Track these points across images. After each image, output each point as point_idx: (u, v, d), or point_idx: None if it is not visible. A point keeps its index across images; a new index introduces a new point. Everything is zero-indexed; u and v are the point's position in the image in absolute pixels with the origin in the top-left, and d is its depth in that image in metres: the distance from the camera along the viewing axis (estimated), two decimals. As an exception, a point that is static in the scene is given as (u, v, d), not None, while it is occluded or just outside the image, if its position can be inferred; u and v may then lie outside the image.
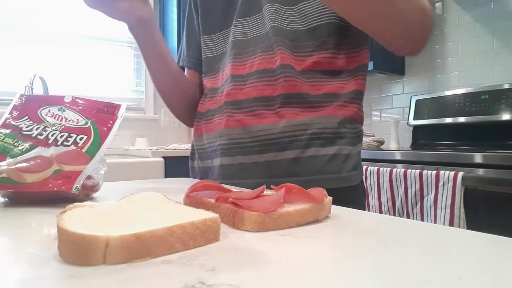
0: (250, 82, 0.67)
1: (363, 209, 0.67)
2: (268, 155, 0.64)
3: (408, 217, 1.46)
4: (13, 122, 0.49)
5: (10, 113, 0.50)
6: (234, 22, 0.72)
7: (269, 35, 0.67)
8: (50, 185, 0.42)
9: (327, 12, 0.64)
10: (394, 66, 2.20)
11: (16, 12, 1.95)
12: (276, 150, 0.64)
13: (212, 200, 0.36)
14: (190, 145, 2.09)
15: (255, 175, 0.65)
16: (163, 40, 0.74)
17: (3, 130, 0.48)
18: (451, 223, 1.31)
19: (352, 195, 0.67)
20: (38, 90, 1.80)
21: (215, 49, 0.77)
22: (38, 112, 0.50)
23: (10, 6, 1.94)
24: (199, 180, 0.50)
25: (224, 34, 0.75)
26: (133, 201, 0.34)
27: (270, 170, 0.64)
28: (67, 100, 0.53)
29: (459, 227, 1.28)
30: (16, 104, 0.51)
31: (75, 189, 0.42)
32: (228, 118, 0.68)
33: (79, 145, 0.47)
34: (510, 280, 0.22)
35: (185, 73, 0.85)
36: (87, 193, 0.47)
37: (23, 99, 0.52)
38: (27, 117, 0.50)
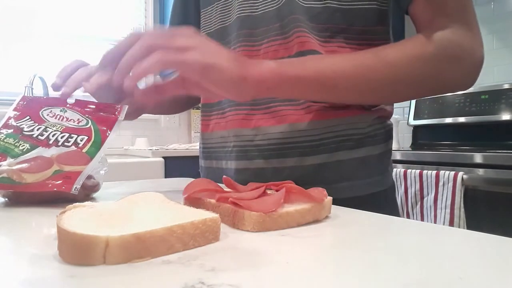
0: None
1: (397, 208, 0.64)
2: (290, 160, 0.56)
3: (408, 217, 1.46)
4: (14, 123, 0.49)
5: (12, 113, 0.50)
6: None
7: (286, 10, 0.55)
8: (50, 185, 0.42)
9: None
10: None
11: (16, 12, 1.95)
12: (300, 155, 0.56)
13: (212, 200, 0.36)
14: (190, 145, 2.10)
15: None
16: None
17: (4, 131, 0.48)
18: (451, 223, 1.31)
19: (389, 197, 0.62)
20: (38, 90, 1.80)
21: (213, 23, 0.64)
22: (40, 112, 0.50)
23: (10, 6, 1.94)
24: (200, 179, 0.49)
25: (223, 4, 0.62)
26: (133, 201, 0.34)
27: (293, 177, 0.54)
28: (69, 101, 0.53)
29: (459, 227, 1.28)
30: (18, 105, 0.51)
31: (74, 190, 0.42)
32: (242, 117, 0.60)
33: (80, 145, 0.47)
34: (510, 280, 0.22)
35: None
36: (87, 193, 0.47)
37: (25, 101, 0.52)
38: (28, 117, 0.50)
